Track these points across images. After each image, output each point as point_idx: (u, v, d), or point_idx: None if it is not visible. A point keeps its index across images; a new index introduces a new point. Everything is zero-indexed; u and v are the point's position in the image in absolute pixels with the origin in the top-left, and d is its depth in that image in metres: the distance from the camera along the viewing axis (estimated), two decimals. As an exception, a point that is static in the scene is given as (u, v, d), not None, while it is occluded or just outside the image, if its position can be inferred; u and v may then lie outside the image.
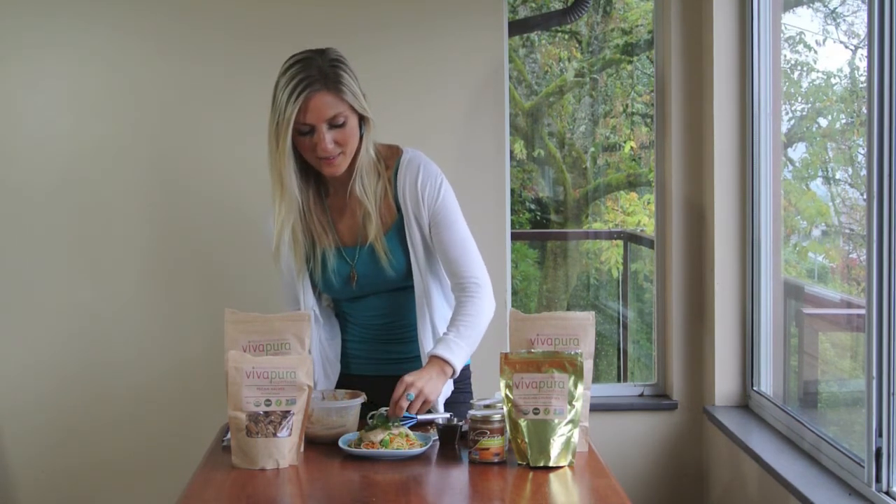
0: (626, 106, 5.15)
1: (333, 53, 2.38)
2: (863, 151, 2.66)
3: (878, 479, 2.40)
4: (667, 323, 3.57)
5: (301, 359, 2.19)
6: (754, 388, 3.34)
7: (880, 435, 2.38)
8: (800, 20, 3.55)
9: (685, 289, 3.50)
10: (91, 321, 3.33)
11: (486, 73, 3.35)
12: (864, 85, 2.52)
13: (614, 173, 5.19)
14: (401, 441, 2.22)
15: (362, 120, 2.39)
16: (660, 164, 3.60)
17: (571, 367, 2.15)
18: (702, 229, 3.47)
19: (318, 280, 2.49)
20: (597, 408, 2.94)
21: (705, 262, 3.46)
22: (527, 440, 2.14)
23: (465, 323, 2.42)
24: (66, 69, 3.32)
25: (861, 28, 2.84)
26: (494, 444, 2.16)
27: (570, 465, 2.15)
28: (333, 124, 2.34)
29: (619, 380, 4.75)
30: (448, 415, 2.38)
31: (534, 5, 5.02)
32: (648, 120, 4.84)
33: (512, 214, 3.55)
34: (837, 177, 3.37)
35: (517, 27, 4.46)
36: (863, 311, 2.45)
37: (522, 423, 2.14)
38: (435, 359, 2.36)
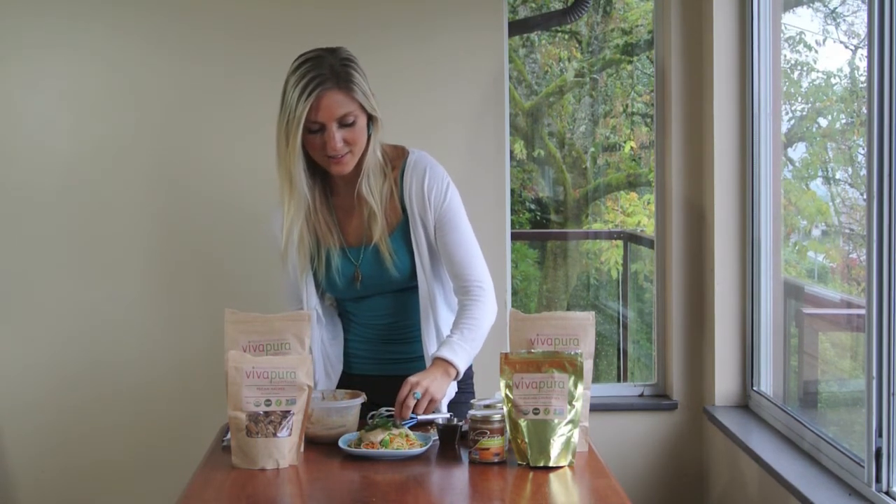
0: (626, 106, 5.15)
1: (344, 52, 2.38)
2: (863, 151, 2.66)
3: (878, 479, 2.40)
4: (667, 323, 3.57)
5: (301, 359, 2.20)
6: (754, 388, 3.34)
7: (880, 435, 2.38)
8: (800, 20, 3.55)
9: (685, 289, 3.50)
10: (91, 321, 3.33)
11: (486, 73, 3.35)
12: (864, 85, 2.52)
13: (614, 173, 5.19)
14: (401, 441, 2.22)
15: (371, 120, 2.40)
16: (660, 164, 3.60)
17: (571, 367, 2.15)
18: (702, 229, 3.47)
19: (322, 280, 2.49)
20: (597, 408, 2.94)
21: (705, 262, 3.46)
22: (527, 440, 2.14)
23: (468, 326, 2.42)
24: (65, 69, 3.32)
25: (861, 28, 2.84)
26: (494, 444, 2.16)
27: (570, 465, 2.15)
28: (343, 123, 2.34)
29: (619, 380, 4.75)
30: (448, 415, 2.38)
31: (534, 5, 5.03)
32: (648, 120, 4.84)
33: (512, 214, 3.55)
34: (837, 177, 3.37)
35: (517, 27, 4.46)
36: (863, 311, 2.45)
37: (522, 423, 2.14)
38: (439, 360, 2.36)
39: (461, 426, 2.29)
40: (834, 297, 3.23)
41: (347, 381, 2.54)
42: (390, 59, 3.30)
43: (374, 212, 2.42)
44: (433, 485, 2.13)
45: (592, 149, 5.21)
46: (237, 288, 3.32)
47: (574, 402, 2.15)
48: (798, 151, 3.63)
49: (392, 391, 2.36)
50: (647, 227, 4.67)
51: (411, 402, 2.28)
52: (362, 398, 2.38)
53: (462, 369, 2.38)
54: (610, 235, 5.14)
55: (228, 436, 2.23)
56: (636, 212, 5.04)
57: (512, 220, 3.53)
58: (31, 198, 3.31)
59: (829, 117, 3.40)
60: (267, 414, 2.14)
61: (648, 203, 4.63)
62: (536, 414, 2.14)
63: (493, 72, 3.36)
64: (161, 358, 3.35)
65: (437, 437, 2.29)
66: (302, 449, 2.21)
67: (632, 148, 5.06)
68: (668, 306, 3.55)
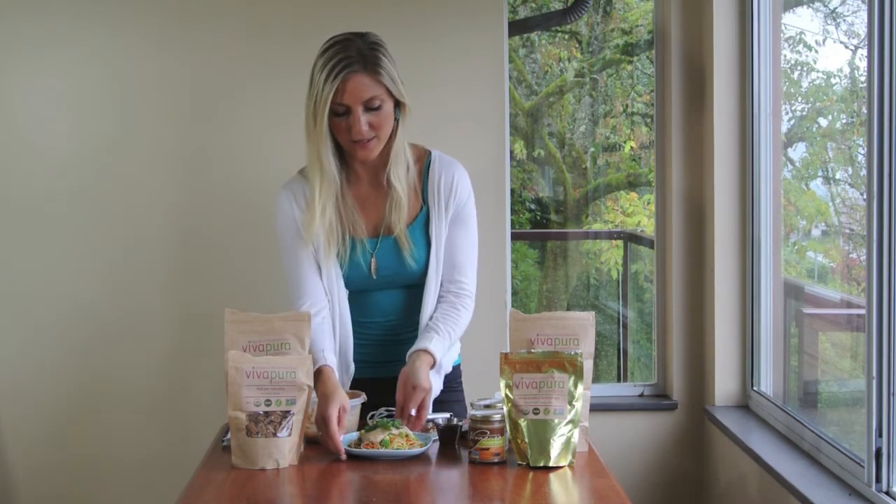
0: (626, 106, 5.15)
1: (373, 37, 2.39)
2: (863, 151, 2.66)
3: (878, 479, 2.40)
4: (667, 323, 3.57)
5: (301, 359, 2.19)
6: (754, 388, 3.34)
7: (880, 435, 2.38)
8: (800, 20, 3.55)
9: (685, 289, 3.50)
10: (91, 321, 3.33)
11: (486, 73, 3.35)
12: (864, 85, 2.52)
13: (614, 173, 5.19)
14: (401, 441, 2.22)
15: (398, 106, 2.40)
16: (660, 164, 3.60)
17: (571, 367, 2.15)
18: (702, 229, 3.47)
19: (343, 268, 2.47)
20: (597, 408, 2.94)
21: (705, 262, 3.46)
22: (527, 440, 2.14)
23: (451, 324, 2.45)
24: (66, 69, 3.31)
25: (861, 28, 2.84)
26: (494, 444, 2.16)
27: (570, 465, 2.15)
28: (369, 107, 2.34)
29: (619, 380, 4.75)
30: (448, 415, 2.38)
31: (534, 5, 5.03)
32: (648, 120, 4.84)
33: (512, 214, 3.55)
34: (837, 177, 3.38)
35: (517, 27, 4.46)
36: (863, 311, 2.45)
37: (522, 423, 2.14)
38: (425, 354, 2.36)
39: (461, 426, 2.29)
40: (834, 297, 3.23)
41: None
42: (390, 59, 3.29)
43: (400, 198, 2.42)
44: (433, 485, 2.13)
45: (592, 149, 5.21)
46: (237, 288, 3.32)
47: (574, 402, 2.15)
48: (798, 151, 3.63)
49: (391, 392, 2.36)
50: (647, 227, 4.67)
51: (412, 410, 2.29)
52: (362, 398, 2.38)
53: (439, 359, 2.41)
54: (610, 235, 5.14)
55: (228, 436, 2.23)
56: (636, 212, 5.04)
57: (512, 220, 3.53)
58: (30, 198, 3.31)
59: (829, 117, 3.40)
60: (267, 414, 2.15)
61: (648, 203, 4.63)
62: (536, 414, 2.14)
63: (493, 72, 3.35)
64: (161, 358, 3.35)
65: (437, 437, 2.29)
66: (302, 449, 2.21)
67: (632, 148, 5.06)
68: (668, 306, 3.55)
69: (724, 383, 3.40)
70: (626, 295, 4.95)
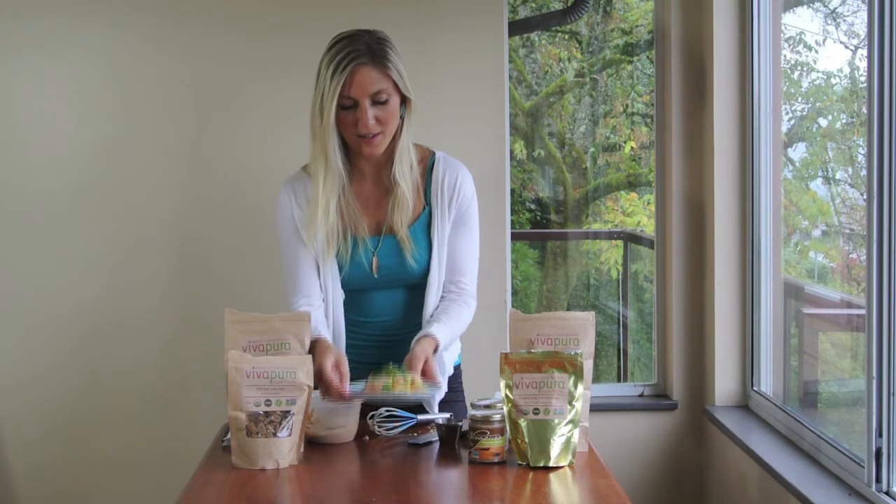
0: (626, 106, 5.15)
1: (380, 33, 2.41)
2: (863, 151, 2.66)
3: (878, 479, 2.40)
4: (667, 323, 3.57)
5: (301, 359, 2.19)
6: (754, 388, 3.34)
7: (880, 435, 2.38)
8: (800, 20, 3.55)
9: (685, 289, 3.50)
10: (92, 321, 3.33)
11: (486, 73, 3.35)
12: (864, 85, 2.52)
13: (614, 173, 5.19)
14: (404, 387, 2.22)
15: (404, 103, 2.41)
16: (660, 164, 3.60)
17: (571, 367, 2.15)
18: (702, 229, 3.47)
19: (343, 265, 2.46)
20: (597, 408, 2.94)
21: (705, 262, 3.46)
22: (527, 440, 2.14)
23: (455, 317, 2.45)
24: (66, 69, 3.31)
25: (861, 28, 2.84)
26: (494, 444, 2.16)
27: (570, 465, 2.15)
28: (376, 101, 2.35)
29: (619, 380, 4.75)
30: (448, 415, 2.38)
31: (534, 5, 5.03)
32: (648, 120, 4.84)
33: (512, 214, 3.55)
34: (837, 177, 3.38)
35: (517, 27, 4.46)
36: (863, 311, 2.45)
37: (522, 423, 2.14)
38: (428, 337, 2.36)
39: (461, 426, 2.29)
40: (834, 297, 3.23)
41: None
42: (390, 59, 3.29)
43: (404, 196, 2.42)
44: (433, 485, 2.13)
45: (592, 149, 5.21)
46: (237, 288, 3.32)
47: (574, 402, 2.15)
48: (798, 151, 3.63)
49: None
50: (647, 227, 4.67)
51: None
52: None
53: (439, 350, 2.39)
54: (610, 235, 5.14)
55: (228, 436, 2.23)
56: (636, 212, 5.04)
57: (512, 220, 3.53)
58: (31, 198, 3.31)
59: (829, 117, 3.40)
60: (267, 414, 2.14)
61: (648, 203, 4.63)
62: (536, 414, 2.14)
63: (493, 72, 3.36)
64: (161, 358, 3.35)
65: (442, 387, 2.29)
66: (302, 449, 2.21)
67: (632, 148, 5.06)
68: (668, 306, 3.55)
69: (724, 383, 3.40)
70: (626, 295, 4.95)
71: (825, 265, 3.43)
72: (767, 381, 3.31)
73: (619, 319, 4.93)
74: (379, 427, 2.38)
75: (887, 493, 2.38)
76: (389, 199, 2.45)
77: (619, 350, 4.84)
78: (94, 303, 3.33)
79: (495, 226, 3.35)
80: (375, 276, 2.45)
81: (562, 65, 5.36)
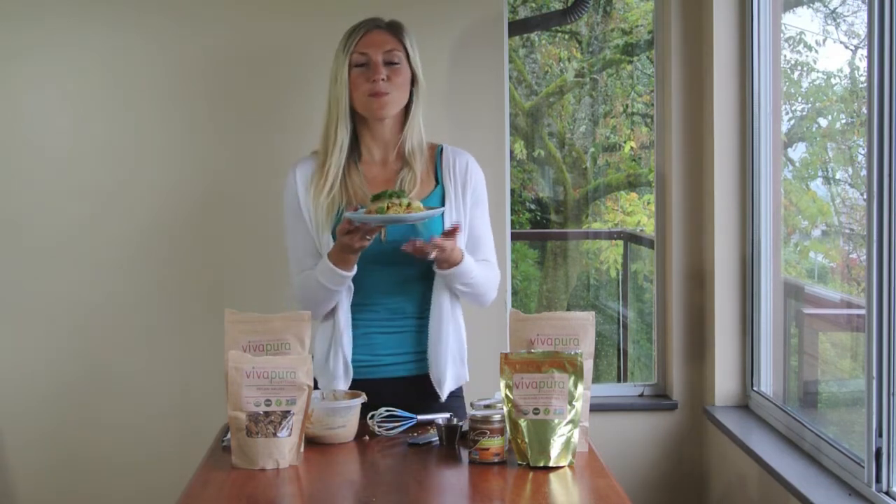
0: (626, 106, 5.16)
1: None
2: (863, 151, 2.66)
3: (878, 479, 2.40)
4: (667, 323, 3.57)
5: (301, 359, 2.20)
6: (754, 388, 3.34)
7: (880, 435, 2.38)
8: (800, 20, 3.55)
9: (685, 289, 3.50)
10: (92, 321, 3.33)
11: (486, 73, 3.35)
12: (864, 85, 2.52)
13: (614, 173, 5.19)
14: (398, 209, 2.25)
15: (414, 83, 2.53)
16: (660, 164, 3.60)
17: (571, 367, 2.15)
18: (702, 229, 3.47)
19: None
20: (597, 408, 2.94)
21: (705, 262, 3.46)
22: (527, 440, 2.14)
23: (482, 266, 2.52)
24: (66, 69, 3.31)
25: (861, 28, 2.84)
26: (494, 444, 2.16)
27: (570, 465, 2.15)
28: (388, 60, 2.49)
29: (619, 380, 4.75)
30: (448, 415, 2.38)
31: (534, 5, 5.03)
32: (648, 120, 4.84)
33: (512, 214, 3.55)
34: (837, 177, 3.38)
35: (517, 27, 4.46)
36: (863, 311, 2.45)
37: (522, 423, 2.14)
38: (460, 250, 2.42)
39: (461, 426, 2.29)
40: (834, 297, 3.23)
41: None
42: (390, 59, 3.29)
43: (415, 172, 2.50)
44: (433, 485, 2.13)
45: (592, 149, 5.22)
46: (237, 288, 3.32)
47: (574, 402, 2.15)
48: (798, 151, 3.63)
49: (390, 393, 2.37)
50: (647, 227, 4.68)
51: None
52: (362, 398, 2.37)
53: (462, 266, 2.42)
54: (610, 235, 5.14)
55: (228, 436, 2.23)
56: (636, 212, 5.05)
57: (512, 220, 3.53)
58: (30, 199, 3.31)
59: (829, 117, 3.40)
60: (267, 414, 2.15)
61: (648, 203, 4.63)
62: (536, 414, 2.14)
63: (493, 72, 3.35)
64: (161, 358, 3.35)
65: (441, 207, 2.37)
66: (302, 449, 2.21)
67: (632, 148, 5.07)
68: (668, 306, 3.55)
69: (724, 383, 3.40)
70: (626, 295, 4.95)
71: (825, 265, 3.43)
72: (767, 381, 3.31)
73: (619, 319, 4.93)
74: (379, 427, 2.39)
75: (887, 493, 2.38)
76: (397, 178, 2.50)
77: (619, 350, 4.85)
78: (94, 303, 3.33)
79: (495, 226, 3.31)
80: (383, 240, 2.45)
81: (562, 65, 5.36)
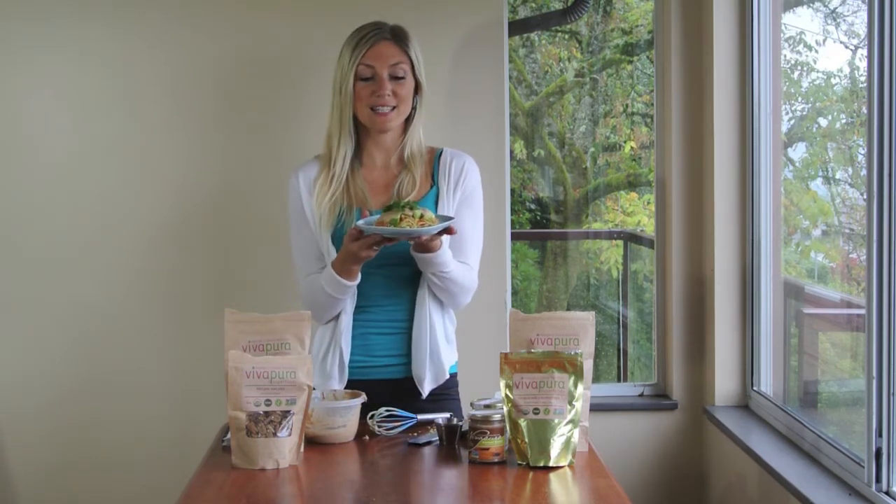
0: (626, 106, 5.15)
1: (402, 27, 2.57)
2: (863, 151, 2.66)
3: (878, 479, 2.40)
4: (667, 323, 3.57)
5: (301, 359, 2.20)
6: (754, 388, 3.34)
7: (880, 435, 2.38)
8: (800, 20, 3.55)
9: (685, 289, 3.50)
10: (92, 321, 3.33)
11: (486, 73, 3.35)
12: (864, 85, 2.52)
13: (614, 173, 5.19)
14: (411, 221, 2.24)
15: (417, 92, 2.54)
16: (660, 164, 3.60)
17: (571, 367, 2.15)
18: (702, 229, 3.47)
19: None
20: (597, 408, 2.94)
21: (705, 262, 3.46)
22: (527, 440, 2.14)
23: (461, 266, 2.50)
24: (66, 69, 3.31)
25: (861, 28, 2.84)
26: (494, 444, 2.16)
27: (570, 465, 2.15)
28: (394, 75, 2.49)
29: (619, 380, 4.75)
30: (448, 415, 2.38)
31: (534, 5, 5.03)
32: (648, 120, 4.84)
33: (512, 214, 3.55)
34: (837, 177, 3.38)
35: (517, 27, 4.46)
36: (863, 311, 2.45)
37: (522, 423, 2.15)
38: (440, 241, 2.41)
39: (461, 426, 2.29)
40: (834, 297, 3.23)
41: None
42: (390, 59, 3.29)
43: (414, 177, 2.51)
44: (433, 485, 2.13)
45: (592, 149, 5.21)
46: (237, 288, 3.32)
47: (574, 402, 2.15)
48: (798, 151, 3.63)
49: (390, 394, 2.37)
50: (647, 227, 4.67)
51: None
52: (362, 398, 2.38)
53: (437, 255, 2.40)
54: (610, 235, 5.14)
55: (228, 436, 2.24)
56: (636, 212, 5.04)
57: (512, 220, 3.53)
58: (30, 199, 3.31)
59: (829, 117, 3.40)
60: (267, 414, 2.15)
61: (648, 203, 4.63)
62: (536, 414, 2.14)
63: (493, 72, 3.35)
64: (161, 358, 3.35)
65: (451, 218, 2.35)
66: (302, 449, 2.21)
67: (632, 148, 5.06)
68: (668, 306, 3.55)
69: (724, 383, 3.40)
70: (626, 295, 4.95)
71: (825, 265, 3.43)
72: (767, 381, 3.31)
73: (619, 319, 4.93)
74: (379, 427, 2.39)
75: (887, 493, 2.38)
76: (397, 182, 2.52)
77: (619, 350, 4.84)
78: (94, 303, 3.33)
79: (495, 226, 3.34)
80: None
81: (562, 65, 5.36)
